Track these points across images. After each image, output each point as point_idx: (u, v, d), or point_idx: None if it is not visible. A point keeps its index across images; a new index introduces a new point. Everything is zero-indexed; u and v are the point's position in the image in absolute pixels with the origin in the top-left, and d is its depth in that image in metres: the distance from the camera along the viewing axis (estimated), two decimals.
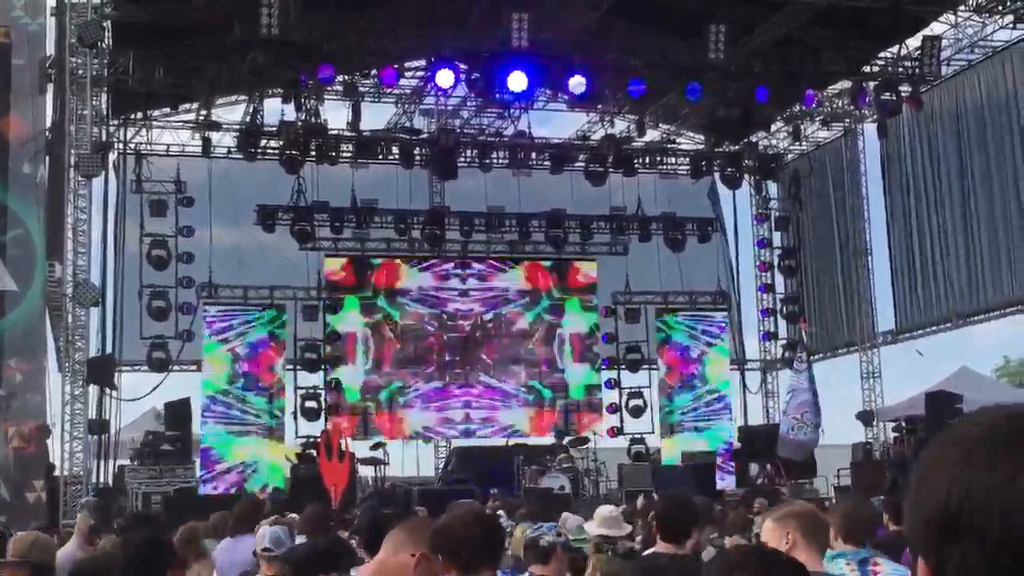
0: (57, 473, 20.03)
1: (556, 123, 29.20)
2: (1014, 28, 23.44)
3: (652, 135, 28.72)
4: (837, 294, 29.62)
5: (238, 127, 26.04)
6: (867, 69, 24.30)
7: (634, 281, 28.95)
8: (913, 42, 23.46)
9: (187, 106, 25.61)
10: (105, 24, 20.97)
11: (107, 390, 21.85)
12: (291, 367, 26.79)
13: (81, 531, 9.25)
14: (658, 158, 28.72)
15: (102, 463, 21.89)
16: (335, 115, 25.43)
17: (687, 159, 28.84)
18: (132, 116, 25.68)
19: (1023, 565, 1.10)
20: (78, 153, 20.66)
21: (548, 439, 26.37)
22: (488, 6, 21.71)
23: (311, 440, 24.78)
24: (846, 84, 25.42)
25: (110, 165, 23.66)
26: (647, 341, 28.86)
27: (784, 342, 29.96)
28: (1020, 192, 23.59)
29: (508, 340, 28.45)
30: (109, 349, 23.07)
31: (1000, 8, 23.06)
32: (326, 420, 25.89)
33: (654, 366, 29.15)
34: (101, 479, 21.64)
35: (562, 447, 24.35)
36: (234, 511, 9.69)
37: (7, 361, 19.49)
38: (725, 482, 25.66)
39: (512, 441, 26.85)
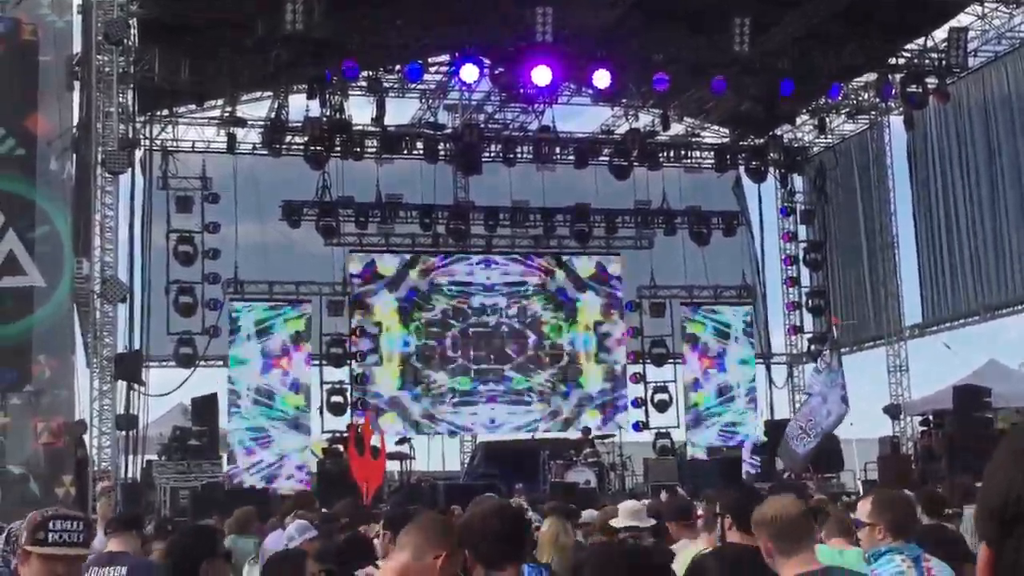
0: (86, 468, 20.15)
1: (580, 117, 29.15)
2: None
3: (676, 129, 28.64)
4: (864, 287, 29.47)
5: (263, 123, 26.13)
6: (893, 61, 24.16)
7: (659, 275, 28.91)
8: (939, 34, 23.32)
9: (212, 103, 25.71)
10: (131, 21, 21.07)
11: (135, 386, 21.97)
12: (317, 362, 26.87)
13: (104, 518, 9.25)
14: (683, 152, 28.66)
15: (130, 458, 22.02)
16: (359, 111, 25.53)
17: (712, 153, 28.78)
18: (158, 113, 25.81)
19: None
20: (105, 150, 20.76)
21: (574, 433, 26.35)
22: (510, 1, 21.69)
23: (337, 435, 24.87)
24: (872, 77, 25.28)
25: (136, 162, 23.80)
26: (672, 335, 28.81)
27: (810, 336, 29.86)
28: None
29: (533, 334, 28.45)
30: (136, 345, 23.18)
31: None
32: (352, 415, 25.95)
33: (679, 360, 29.10)
34: (129, 474, 21.77)
35: (588, 442, 24.32)
36: (285, 504, 9.86)
37: (36, 357, 19.64)
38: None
39: (537, 436, 26.85)
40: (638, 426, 28.27)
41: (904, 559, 4.91)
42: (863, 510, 5.19)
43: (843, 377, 18.32)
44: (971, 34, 23.53)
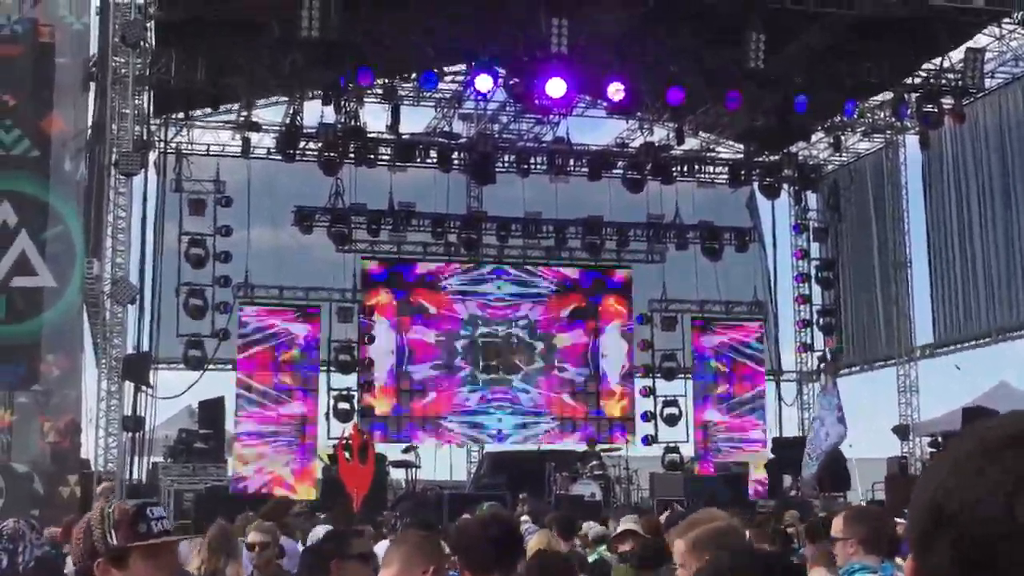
0: (90, 469, 20.19)
1: (595, 130, 29.12)
2: None
3: (691, 143, 28.60)
4: (875, 306, 29.38)
5: (278, 128, 26.18)
6: (909, 80, 24.09)
7: (671, 289, 28.86)
8: (956, 54, 23.23)
9: (227, 106, 25.78)
10: (148, 24, 21.14)
11: (142, 387, 22.01)
12: (325, 368, 26.88)
13: None
14: (696, 166, 28.63)
15: (136, 460, 22.05)
16: (374, 118, 25.53)
17: (726, 168, 28.73)
18: (173, 115, 25.88)
19: (993, 564, 1.16)
20: (119, 151, 20.83)
21: (581, 446, 26.31)
22: (527, 11, 21.69)
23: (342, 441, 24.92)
24: (888, 95, 25.21)
25: (150, 164, 23.86)
26: (682, 349, 28.75)
27: (820, 354, 29.79)
28: None
29: (543, 345, 28.43)
30: (145, 346, 23.25)
31: None
32: (359, 422, 25.97)
33: (689, 375, 29.04)
34: (134, 476, 21.80)
35: (594, 454, 24.29)
36: (261, 510, 9.76)
37: (45, 357, 19.69)
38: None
39: (544, 447, 26.81)
40: (647, 440, 28.21)
41: None
42: (836, 526, 5.13)
43: (839, 399, 18.30)
44: (988, 55, 23.45)
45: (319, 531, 7.43)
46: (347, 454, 17.00)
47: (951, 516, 1.19)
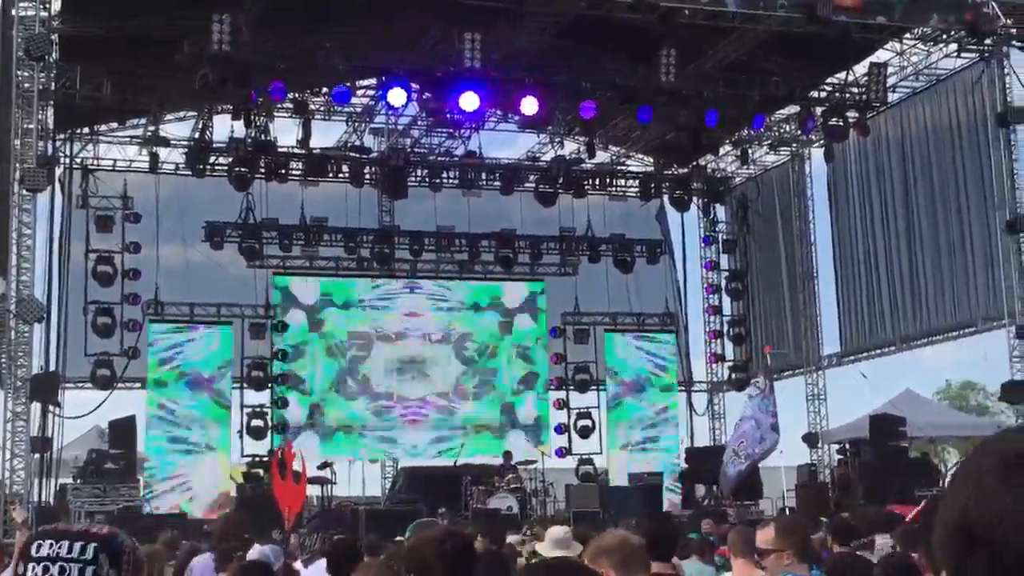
0: None
1: (507, 144, 29.29)
2: (958, 57, 23.82)
3: (602, 157, 28.80)
4: (784, 317, 29.86)
5: (187, 143, 25.83)
6: (814, 94, 24.58)
7: (583, 302, 29.03)
8: (860, 68, 23.77)
9: (135, 121, 25.39)
10: (53, 37, 20.75)
11: (50, 407, 21.55)
12: (237, 385, 26.56)
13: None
14: (608, 180, 28.87)
15: (44, 481, 21.58)
16: (285, 133, 25.30)
17: (636, 181, 29.04)
18: (79, 131, 25.41)
19: None
20: (23, 167, 20.40)
21: (496, 459, 26.30)
22: (441, 27, 21.74)
23: (256, 459, 24.64)
24: (794, 109, 25.68)
25: (56, 180, 23.41)
26: (595, 362, 28.93)
27: (731, 364, 30.18)
28: (963, 219, 23.94)
29: (457, 359, 28.41)
30: (53, 366, 22.78)
31: (944, 37, 23.42)
32: (272, 439, 25.69)
33: (603, 387, 29.21)
34: (43, 498, 21.33)
35: (510, 468, 24.31)
36: (217, 527, 9.69)
37: None
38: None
39: (460, 461, 26.74)
40: (561, 452, 28.31)
41: None
42: (765, 538, 5.20)
43: (775, 405, 18.43)
44: (890, 70, 24.02)
45: (255, 551, 7.33)
46: (280, 472, 16.78)
47: (983, 533, 1.21)
